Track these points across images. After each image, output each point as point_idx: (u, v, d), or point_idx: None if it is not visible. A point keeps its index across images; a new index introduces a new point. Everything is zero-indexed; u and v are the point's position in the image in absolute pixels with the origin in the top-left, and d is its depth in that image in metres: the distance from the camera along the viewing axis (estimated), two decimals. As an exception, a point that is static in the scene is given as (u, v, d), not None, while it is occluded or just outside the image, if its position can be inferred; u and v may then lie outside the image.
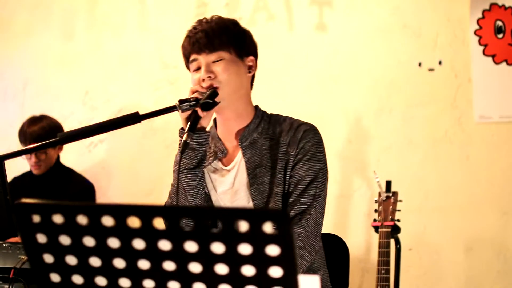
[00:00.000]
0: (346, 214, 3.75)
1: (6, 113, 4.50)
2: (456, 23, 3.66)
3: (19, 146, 3.83)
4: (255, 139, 2.24)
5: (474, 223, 3.59)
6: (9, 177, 2.94)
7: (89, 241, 1.11)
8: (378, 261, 3.13)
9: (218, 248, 1.06)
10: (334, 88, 3.86)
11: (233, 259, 1.06)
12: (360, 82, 3.81)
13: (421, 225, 3.66)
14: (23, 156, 3.85)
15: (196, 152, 2.16)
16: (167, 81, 4.19)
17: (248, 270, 1.06)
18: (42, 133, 3.76)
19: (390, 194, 3.26)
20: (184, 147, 2.04)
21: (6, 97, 4.53)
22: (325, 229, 2.54)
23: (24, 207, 1.12)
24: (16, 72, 4.52)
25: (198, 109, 2.10)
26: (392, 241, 3.21)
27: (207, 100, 2.11)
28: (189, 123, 2.08)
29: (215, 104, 2.12)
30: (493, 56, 3.59)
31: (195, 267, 1.08)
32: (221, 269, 1.07)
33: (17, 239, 2.72)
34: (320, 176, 2.20)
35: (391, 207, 3.23)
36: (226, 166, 2.27)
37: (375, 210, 3.27)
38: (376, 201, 3.29)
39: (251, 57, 2.28)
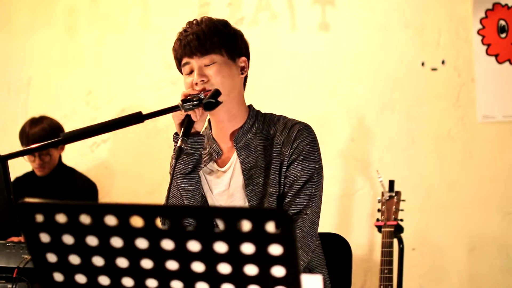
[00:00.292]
0: (349, 214, 3.75)
1: (9, 111, 4.51)
2: (459, 23, 3.66)
3: (21, 146, 3.83)
4: (250, 140, 2.24)
5: (477, 222, 3.59)
6: (12, 177, 2.95)
7: (92, 241, 1.11)
8: (381, 261, 3.13)
9: (221, 247, 1.06)
10: (337, 87, 3.86)
11: (236, 259, 1.06)
12: (363, 82, 3.81)
13: (424, 224, 3.66)
14: (26, 159, 3.85)
15: (191, 156, 2.16)
16: (170, 81, 4.20)
17: (251, 270, 1.07)
18: (44, 134, 3.76)
19: (393, 194, 3.26)
20: (179, 153, 2.04)
21: (9, 95, 4.53)
22: (327, 229, 2.54)
23: (27, 206, 1.12)
24: (19, 70, 4.52)
25: (192, 114, 2.09)
26: (395, 241, 3.21)
27: (210, 99, 2.11)
28: (182, 129, 2.09)
29: (218, 103, 2.11)
30: (496, 56, 3.59)
31: (198, 267, 1.08)
32: (224, 268, 1.07)
33: (19, 238, 2.73)
34: (315, 175, 2.19)
35: (394, 206, 3.23)
36: (221, 167, 2.27)
37: (378, 210, 3.27)
38: (379, 201, 3.29)
39: (243, 58, 2.27)
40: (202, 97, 2.12)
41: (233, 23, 2.33)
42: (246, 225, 1.04)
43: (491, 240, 3.57)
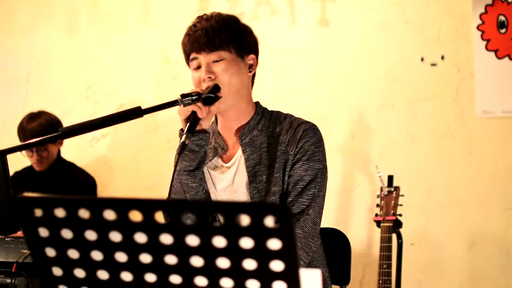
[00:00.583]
0: (348, 209, 3.75)
1: (9, 107, 4.51)
2: (459, 18, 3.66)
3: (19, 141, 3.83)
4: (255, 137, 2.23)
5: (477, 218, 3.59)
6: (11, 172, 2.94)
7: (91, 235, 1.11)
8: (380, 256, 3.13)
9: (219, 242, 1.06)
10: (336, 83, 3.86)
11: (235, 253, 1.06)
12: (363, 77, 3.81)
13: (423, 219, 3.66)
14: (24, 154, 3.85)
15: (196, 154, 2.14)
16: (169, 76, 4.19)
17: (249, 264, 1.07)
18: (41, 130, 3.75)
19: (392, 189, 3.27)
20: (182, 149, 2.02)
21: (9, 91, 4.53)
22: (326, 224, 2.53)
23: (26, 201, 1.12)
24: (19, 66, 4.52)
25: (198, 111, 2.08)
26: (394, 236, 3.21)
27: (209, 94, 2.11)
28: (188, 124, 2.07)
29: (217, 98, 2.11)
30: (495, 51, 3.59)
31: (196, 261, 1.08)
32: (223, 263, 1.07)
33: (19, 234, 2.73)
34: (319, 176, 2.18)
35: (393, 201, 3.23)
36: (225, 162, 2.25)
37: (377, 205, 3.28)
38: (378, 196, 3.29)
39: (252, 55, 2.25)
40: (201, 91, 2.11)
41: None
42: (245, 220, 1.04)
43: (491, 236, 3.57)
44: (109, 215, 1.08)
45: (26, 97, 4.48)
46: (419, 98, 3.70)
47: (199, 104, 2.09)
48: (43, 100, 4.32)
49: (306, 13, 3.89)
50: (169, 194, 2.19)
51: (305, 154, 2.18)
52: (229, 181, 2.23)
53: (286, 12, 3.93)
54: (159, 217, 1.07)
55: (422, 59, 3.70)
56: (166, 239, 1.08)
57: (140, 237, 1.09)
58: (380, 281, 3.10)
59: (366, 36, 3.82)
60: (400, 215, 3.22)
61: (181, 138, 2.05)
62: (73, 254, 1.14)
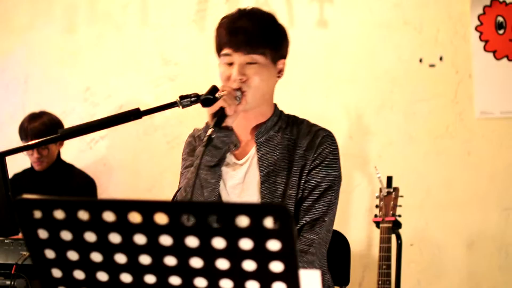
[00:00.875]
0: (347, 210, 3.75)
1: (7, 108, 4.51)
2: (457, 19, 3.66)
3: (19, 142, 3.83)
4: (271, 137, 2.23)
5: (476, 219, 3.59)
6: (10, 174, 2.94)
7: (90, 237, 1.11)
8: (379, 257, 3.13)
9: (219, 243, 1.06)
10: (335, 84, 3.86)
11: (234, 254, 1.06)
12: (361, 78, 3.81)
13: (422, 220, 3.67)
14: (24, 153, 3.85)
15: (219, 150, 2.13)
16: (168, 77, 4.20)
17: (249, 265, 1.07)
18: (43, 129, 3.76)
19: (391, 190, 3.27)
20: (209, 142, 2.01)
21: (8, 92, 4.53)
22: (326, 225, 2.53)
23: (25, 202, 1.12)
24: (18, 67, 4.52)
25: (227, 107, 2.07)
26: (393, 237, 3.21)
27: (208, 96, 2.11)
28: (215, 119, 2.07)
29: (215, 100, 2.11)
30: (494, 52, 3.59)
31: (196, 262, 1.08)
32: (222, 264, 1.07)
33: (19, 236, 2.73)
34: (336, 184, 2.20)
35: (392, 202, 3.23)
36: (238, 159, 2.25)
37: (376, 206, 3.28)
38: (377, 197, 3.29)
39: (283, 60, 2.26)
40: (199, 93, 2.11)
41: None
42: (244, 221, 1.04)
43: (489, 236, 3.57)
44: (109, 216, 1.08)
45: (24, 98, 4.48)
46: (418, 99, 3.71)
47: (231, 100, 2.08)
48: (42, 102, 4.31)
49: (304, 14, 3.89)
50: (186, 186, 2.16)
51: (323, 160, 2.19)
52: (240, 179, 2.22)
53: (284, 13, 3.93)
54: (159, 218, 1.07)
55: (420, 60, 3.70)
56: (166, 240, 1.08)
57: (140, 239, 1.09)
58: (380, 282, 3.10)
59: (364, 37, 3.82)
60: (399, 216, 3.22)
61: (206, 132, 2.05)
62: (73, 255, 1.14)
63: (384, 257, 3.12)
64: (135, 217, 1.07)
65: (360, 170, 3.77)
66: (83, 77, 4.38)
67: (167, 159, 4.16)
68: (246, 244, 1.05)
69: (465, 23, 3.64)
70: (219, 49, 2.21)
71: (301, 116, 2.32)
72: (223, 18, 2.24)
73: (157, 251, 1.09)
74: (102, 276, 1.14)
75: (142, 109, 2.05)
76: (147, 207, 1.07)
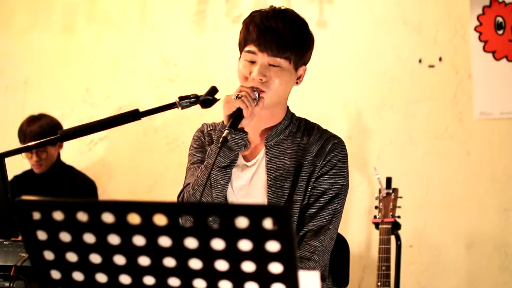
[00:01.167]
0: (347, 211, 3.74)
1: (7, 109, 4.51)
2: (457, 20, 3.66)
3: (19, 145, 3.83)
4: (281, 141, 2.21)
5: (475, 220, 3.59)
6: (10, 176, 2.94)
7: (89, 238, 1.11)
8: (379, 258, 3.13)
9: (218, 244, 1.06)
10: (334, 84, 3.86)
11: (233, 255, 1.06)
12: (361, 79, 3.81)
13: (421, 221, 3.66)
14: (24, 156, 3.85)
15: (232, 152, 2.12)
16: (167, 78, 4.20)
17: (248, 266, 1.06)
18: (42, 132, 3.76)
19: (391, 191, 3.27)
20: (224, 143, 1.99)
21: (7, 93, 4.53)
22: (325, 226, 2.53)
23: (24, 204, 1.12)
24: (17, 69, 4.52)
25: (244, 109, 2.04)
26: (393, 238, 3.21)
27: (207, 97, 2.10)
28: (231, 120, 2.05)
29: (215, 101, 2.11)
30: (493, 53, 3.59)
31: (195, 264, 1.08)
32: (221, 265, 1.07)
33: (18, 238, 2.73)
34: (342, 192, 2.19)
35: (391, 203, 3.23)
36: (246, 161, 2.23)
37: (376, 207, 3.27)
38: (376, 198, 3.29)
39: (304, 67, 2.23)
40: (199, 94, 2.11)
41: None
42: (243, 222, 1.03)
43: (489, 237, 3.57)
44: (107, 218, 1.08)
45: (24, 100, 4.48)
46: (417, 99, 3.71)
47: (249, 101, 2.06)
48: (42, 103, 4.31)
49: (303, 14, 3.87)
50: (194, 184, 2.15)
51: (332, 168, 2.17)
52: (246, 181, 2.20)
53: (284, 14, 3.93)
54: (158, 219, 1.07)
55: (420, 61, 3.70)
56: (165, 241, 1.08)
57: (139, 240, 1.09)
58: (379, 283, 3.09)
59: (364, 37, 3.82)
60: (399, 217, 3.22)
61: (222, 132, 2.03)
62: (72, 257, 1.14)
63: (384, 258, 3.11)
64: (134, 219, 1.07)
65: (360, 171, 3.77)
66: (82, 78, 4.38)
67: (166, 160, 4.16)
68: (245, 245, 1.05)
69: (464, 24, 3.64)
70: (243, 44, 2.17)
71: (300, 116, 2.31)
72: (254, 12, 2.18)
73: (156, 253, 1.09)
74: (101, 278, 1.14)
75: (141, 110, 2.05)
76: (146, 208, 1.07)
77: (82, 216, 1.09)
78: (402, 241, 3.25)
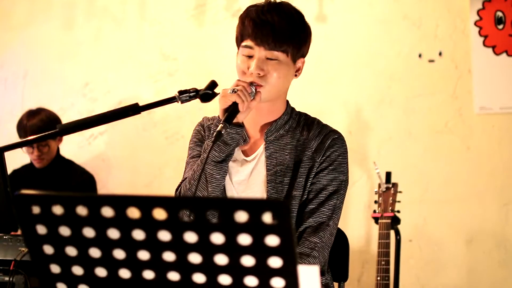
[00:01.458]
0: (346, 205, 3.72)
1: (6, 104, 4.50)
2: (456, 14, 3.66)
3: (17, 139, 3.82)
4: (281, 136, 2.21)
5: (475, 214, 3.59)
6: (9, 170, 2.94)
7: (89, 232, 1.11)
8: (378, 252, 3.13)
9: (217, 238, 1.06)
10: (334, 79, 3.86)
11: (233, 250, 1.06)
12: (360, 73, 3.81)
13: (421, 216, 3.67)
14: (24, 151, 3.85)
15: (227, 146, 2.11)
16: (167, 73, 4.19)
17: (247, 261, 1.06)
18: (42, 126, 3.75)
19: (390, 185, 3.26)
20: (217, 137, 1.98)
21: (6, 88, 4.53)
22: (325, 220, 2.53)
23: (23, 198, 1.12)
24: (16, 63, 4.51)
25: (240, 103, 2.03)
26: (392, 232, 3.21)
27: (207, 91, 2.10)
28: (226, 114, 2.04)
29: (214, 95, 2.10)
30: (493, 47, 3.59)
31: (195, 258, 1.08)
32: (221, 259, 1.07)
33: (18, 233, 2.73)
34: (342, 188, 2.18)
35: (391, 198, 3.23)
36: (246, 156, 2.22)
37: (375, 201, 3.27)
38: (376, 192, 3.29)
39: (302, 59, 2.22)
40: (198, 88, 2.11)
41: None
42: (242, 216, 1.03)
43: (489, 232, 3.57)
44: (107, 212, 1.08)
45: (23, 94, 4.47)
46: (417, 94, 3.70)
47: (245, 95, 2.05)
48: (41, 98, 4.31)
49: (303, 9, 3.85)
50: (190, 178, 2.15)
51: (331, 164, 2.16)
52: (245, 176, 2.20)
53: (283, 9, 3.92)
54: (157, 214, 1.07)
55: (420, 56, 3.70)
56: (164, 235, 1.08)
57: (138, 234, 1.09)
58: (379, 278, 3.10)
59: (364, 32, 3.81)
60: (398, 211, 3.22)
61: (217, 126, 2.02)
62: (71, 251, 1.14)
63: (383, 253, 3.11)
64: (133, 213, 1.07)
65: (359, 166, 3.77)
66: (82, 73, 4.38)
67: (166, 154, 4.16)
68: (244, 239, 1.05)
69: (464, 18, 3.64)
70: (240, 39, 2.17)
71: (301, 111, 2.31)
72: (250, 7, 2.18)
73: (156, 247, 1.09)
74: (101, 272, 1.14)
75: (141, 104, 2.05)
76: (146, 203, 1.07)
77: (82, 210, 1.09)
78: (402, 236, 3.25)
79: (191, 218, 1.06)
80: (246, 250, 1.05)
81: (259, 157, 2.21)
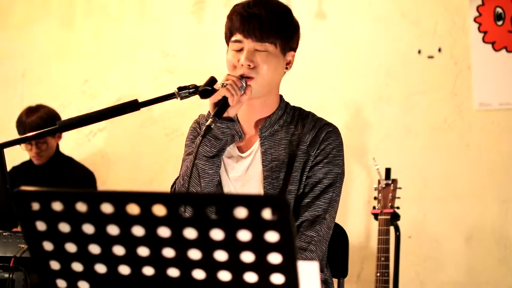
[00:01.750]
0: (346, 202, 3.75)
1: (5, 101, 4.50)
2: (456, 10, 3.65)
3: (17, 136, 3.82)
4: (275, 132, 2.21)
5: (474, 211, 3.59)
6: (9, 167, 2.95)
7: (88, 229, 1.11)
8: (378, 249, 3.13)
9: (217, 234, 1.06)
10: (333, 76, 3.86)
11: (233, 246, 1.06)
12: (360, 70, 3.80)
13: (420, 212, 3.67)
14: (23, 148, 3.85)
15: (219, 141, 2.11)
16: (166, 70, 4.19)
17: (247, 257, 1.07)
18: (41, 123, 3.75)
19: (390, 182, 3.27)
20: (206, 132, 1.98)
21: (5, 86, 4.52)
22: (324, 217, 2.53)
23: (23, 194, 1.12)
24: (15, 61, 4.51)
25: (230, 97, 2.04)
26: (392, 229, 3.22)
27: (206, 87, 2.10)
28: (216, 108, 2.05)
29: (214, 91, 2.10)
30: (492, 43, 3.59)
31: (194, 254, 1.08)
32: (221, 255, 1.07)
33: (17, 229, 2.73)
34: (338, 181, 2.18)
35: (390, 194, 3.23)
36: (241, 152, 2.22)
37: (375, 198, 3.28)
38: (375, 189, 3.29)
39: (293, 53, 2.23)
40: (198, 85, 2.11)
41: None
42: (242, 212, 1.03)
43: (488, 228, 3.57)
44: (107, 208, 1.08)
45: (22, 92, 4.47)
46: (416, 91, 3.70)
47: (234, 89, 2.05)
48: (40, 95, 4.31)
49: (302, 6, 3.88)
50: (184, 174, 2.15)
51: (326, 157, 2.16)
52: (242, 172, 2.20)
53: (283, 5, 3.92)
54: (157, 210, 1.07)
55: (419, 52, 3.70)
56: (164, 232, 1.08)
57: (138, 230, 1.09)
58: (378, 274, 3.10)
59: (363, 29, 3.81)
60: (398, 207, 3.22)
61: (207, 121, 2.03)
62: (71, 247, 1.14)
63: (383, 249, 3.12)
64: (133, 209, 1.07)
65: (359, 162, 3.77)
66: (81, 70, 4.37)
67: (166, 151, 4.16)
68: (244, 235, 1.05)
69: (463, 14, 3.63)
70: (229, 35, 2.18)
71: (295, 105, 2.30)
72: (236, 5, 2.21)
73: (155, 243, 1.09)
74: (100, 268, 1.14)
75: (140, 101, 2.04)
76: (145, 199, 1.07)
77: (81, 207, 1.09)
78: (401, 232, 3.26)
79: (189, 211, 1.06)
80: (245, 246, 1.06)
81: (254, 153, 2.21)
